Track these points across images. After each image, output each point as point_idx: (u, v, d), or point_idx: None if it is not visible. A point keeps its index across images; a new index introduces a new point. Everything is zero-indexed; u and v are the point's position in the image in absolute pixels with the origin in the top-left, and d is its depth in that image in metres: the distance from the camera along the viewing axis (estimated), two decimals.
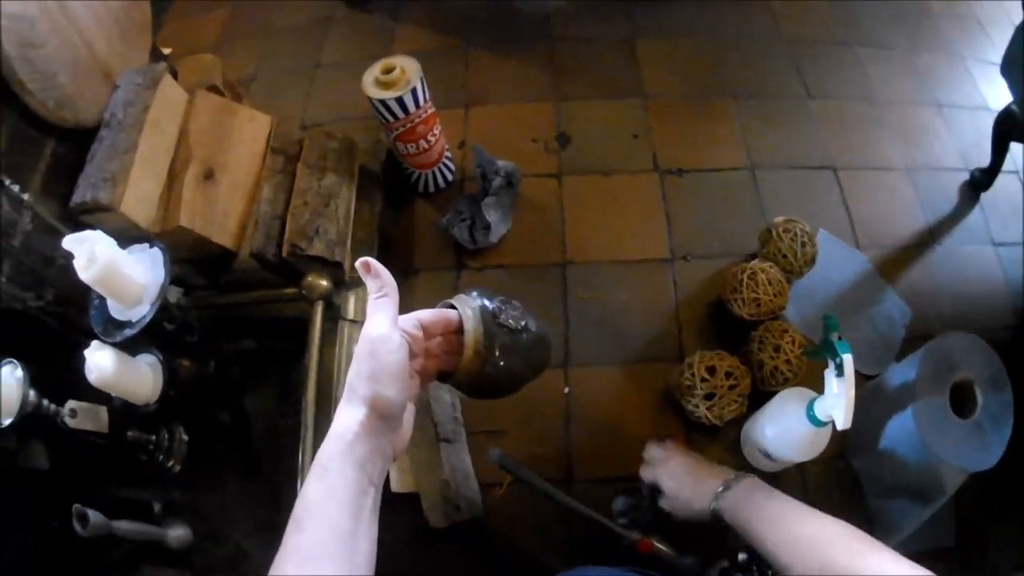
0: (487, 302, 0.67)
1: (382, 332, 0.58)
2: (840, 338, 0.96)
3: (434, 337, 0.67)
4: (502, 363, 0.65)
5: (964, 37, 1.91)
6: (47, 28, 1.10)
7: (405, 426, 0.64)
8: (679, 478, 1.02)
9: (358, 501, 0.56)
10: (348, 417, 0.58)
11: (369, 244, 1.37)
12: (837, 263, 1.42)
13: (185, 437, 1.24)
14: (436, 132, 1.42)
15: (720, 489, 0.94)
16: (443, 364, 0.68)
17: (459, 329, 0.66)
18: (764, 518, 0.85)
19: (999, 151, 1.50)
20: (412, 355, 0.62)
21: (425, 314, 0.66)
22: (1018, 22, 1.32)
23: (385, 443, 0.60)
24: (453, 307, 0.68)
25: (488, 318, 0.65)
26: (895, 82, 1.77)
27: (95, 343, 1.04)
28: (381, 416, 0.58)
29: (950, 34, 1.91)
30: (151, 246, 1.09)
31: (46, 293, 1.12)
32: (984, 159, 1.54)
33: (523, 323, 0.68)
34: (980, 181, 1.56)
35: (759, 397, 1.19)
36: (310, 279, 1.16)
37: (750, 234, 1.40)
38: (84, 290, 1.05)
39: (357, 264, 0.61)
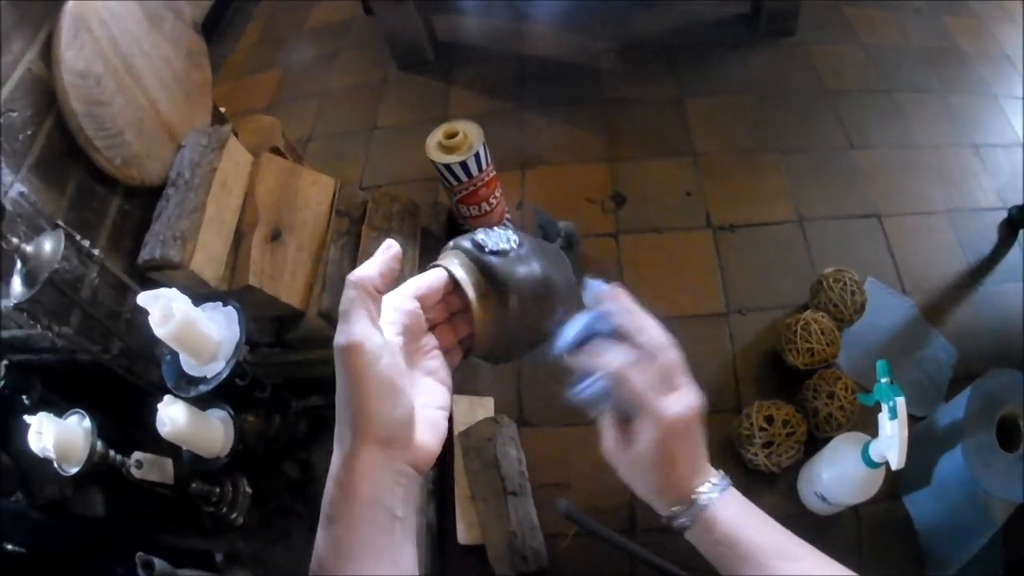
0: (464, 241, 0.52)
1: (353, 339, 0.44)
2: (892, 382, 0.99)
3: (433, 307, 0.53)
4: (520, 288, 0.51)
5: (995, 75, 1.95)
6: (113, 87, 1.13)
7: (425, 435, 0.49)
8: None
9: (377, 546, 0.46)
10: (339, 455, 0.46)
11: None
12: (885, 309, 1.45)
13: (249, 489, 1.26)
14: (497, 195, 1.47)
15: (713, 482, 0.55)
16: (458, 332, 0.55)
17: (455, 287, 0.52)
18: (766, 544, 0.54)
19: None
20: (413, 337, 0.51)
21: (413, 283, 0.51)
22: None
23: (400, 465, 0.47)
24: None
25: (473, 253, 0.51)
26: (932, 126, 1.81)
27: (168, 397, 1.05)
28: (381, 441, 0.46)
29: (982, 73, 1.95)
30: (224, 304, 1.11)
31: (113, 346, 1.14)
32: (1021, 196, 1.56)
33: (514, 240, 0.53)
34: (1018, 218, 1.58)
35: (815, 443, 1.22)
36: None
37: (802, 285, 1.44)
38: (150, 343, 1.07)
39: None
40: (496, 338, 0.52)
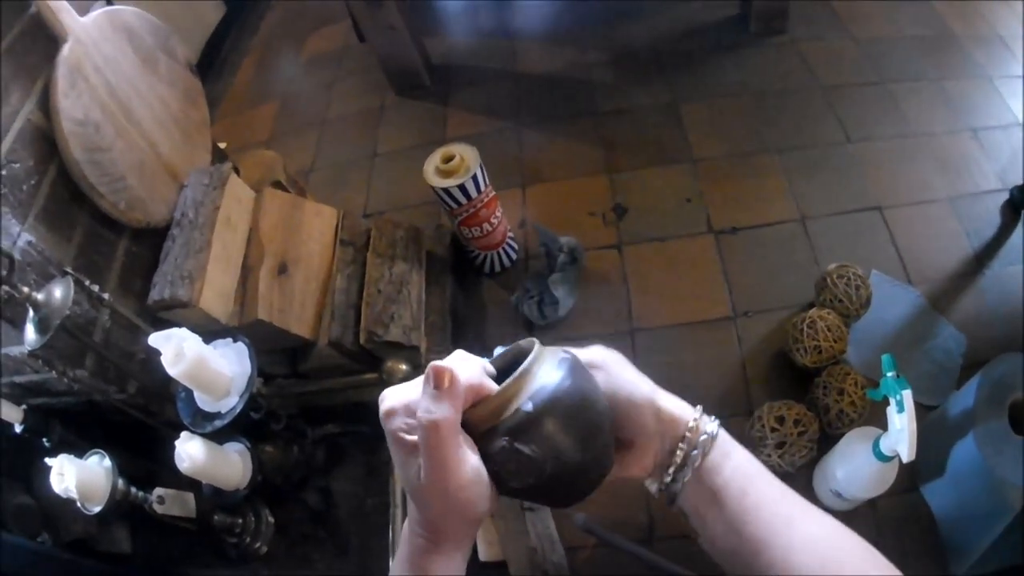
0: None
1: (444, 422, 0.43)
2: (898, 376, 0.99)
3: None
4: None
5: (989, 57, 1.93)
6: (112, 132, 1.15)
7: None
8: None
9: None
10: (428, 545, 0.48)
11: (442, 327, 1.41)
12: (892, 301, 1.45)
13: (271, 519, 1.27)
14: (498, 214, 1.48)
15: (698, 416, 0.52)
16: None
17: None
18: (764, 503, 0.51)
19: None
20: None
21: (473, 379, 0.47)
22: None
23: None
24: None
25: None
26: (928, 113, 1.81)
27: (185, 434, 1.06)
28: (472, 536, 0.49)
29: (975, 56, 1.94)
30: (235, 340, 1.13)
31: (128, 386, 1.16)
32: (1021, 176, 1.56)
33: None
34: (1020, 199, 1.57)
35: (828, 440, 1.22)
36: (389, 364, 1.21)
37: (806, 283, 1.44)
38: (165, 381, 1.08)
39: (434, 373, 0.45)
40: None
